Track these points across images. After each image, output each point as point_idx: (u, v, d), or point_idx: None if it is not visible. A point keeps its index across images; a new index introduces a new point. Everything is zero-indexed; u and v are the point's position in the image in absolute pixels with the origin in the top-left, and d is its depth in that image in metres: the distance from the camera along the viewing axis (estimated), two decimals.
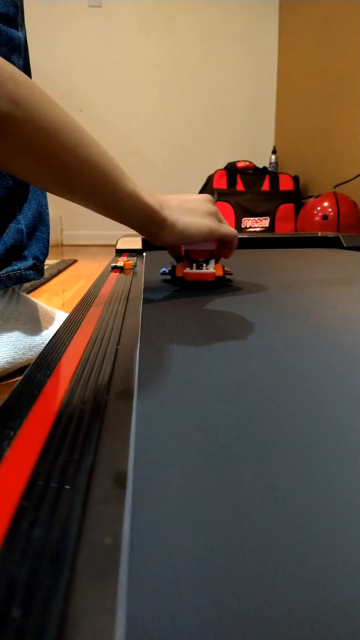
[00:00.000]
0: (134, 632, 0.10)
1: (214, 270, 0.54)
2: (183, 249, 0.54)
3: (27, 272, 0.55)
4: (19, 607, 0.10)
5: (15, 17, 0.47)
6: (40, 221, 0.57)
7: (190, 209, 0.49)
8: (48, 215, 0.58)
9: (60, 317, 0.62)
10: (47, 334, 0.57)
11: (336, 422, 0.21)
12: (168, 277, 0.61)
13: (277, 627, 0.11)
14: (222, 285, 0.55)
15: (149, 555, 0.13)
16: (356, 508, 0.15)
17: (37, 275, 0.57)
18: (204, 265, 0.54)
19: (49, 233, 0.58)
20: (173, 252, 0.57)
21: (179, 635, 0.10)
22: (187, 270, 0.54)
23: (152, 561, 0.12)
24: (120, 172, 0.41)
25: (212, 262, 0.54)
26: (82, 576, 0.11)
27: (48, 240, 0.58)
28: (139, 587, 0.12)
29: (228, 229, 0.52)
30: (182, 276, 0.54)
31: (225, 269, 0.56)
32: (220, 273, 0.54)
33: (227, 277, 0.58)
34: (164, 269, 0.61)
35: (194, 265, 0.54)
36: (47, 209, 0.57)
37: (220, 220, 0.52)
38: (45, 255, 0.58)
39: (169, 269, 0.58)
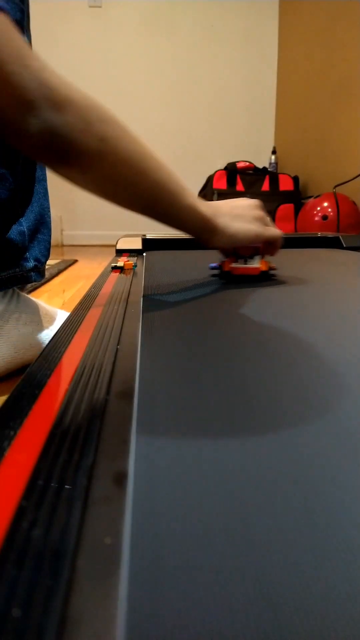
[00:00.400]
0: (134, 632, 0.10)
1: (259, 265, 0.60)
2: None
3: (29, 273, 0.55)
4: (19, 607, 0.10)
5: (21, 22, 0.47)
6: (42, 224, 0.57)
7: (239, 215, 0.55)
8: (50, 218, 0.59)
9: (60, 317, 0.62)
10: (48, 334, 0.57)
11: (335, 419, 0.21)
12: (216, 271, 0.67)
13: (280, 629, 0.11)
14: (266, 279, 0.61)
15: (149, 555, 0.13)
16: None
17: (38, 277, 0.57)
18: (249, 260, 0.60)
19: (50, 235, 0.59)
20: (222, 250, 0.62)
21: (179, 635, 0.10)
22: (234, 264, 0.60)
23: (152, 561, 0.12)
24: (180, 187, 0.49)
25: (258, 257, 0.60)
26: (82, 576, 0.11)
27: (50, 243, 0.59)
28: (139, 587, 0.12)
29: (273, 231, 0.58)
30: (230, 270, 0.60)
31: (270, 265, 0.62)
32: (265, 268, 0.60)
33: (272, 272, 0.63)
34: (212, 264, 0.66)
35: (242, 260, 0.60)
36: (49, 212, 0.58)
37: (266, 224, 0.58)
38: (47, 257, 0.58)
39: (218, 264, 0.63)
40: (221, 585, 0.12)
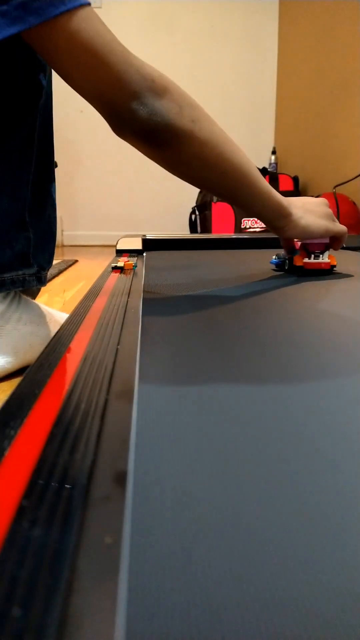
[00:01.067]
0: (134, 631, 0.10)
1: (329, 261, 0.63)
2: (299, 243, 0.63)
3: (30, 278, 0.56)
4: (19, 606, 0.10)
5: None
6: (49, 234, 0.59)
7: (311, 210, 0.59)
8: (56, 228, 0.60)
9: (60, 318, 0.62)
10: (48, 334, 0.57)
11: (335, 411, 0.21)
12: (277, 266, 0.70)
13: (277, 629, 0.11)
14: (331, 272, 0.64)
15: (149, 555, 0.13)
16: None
17: (39, 283, 0.58)
18: (320, 256, 0.62)
19: (55, 244, 0.60)
20: (287, 246, 0.65)
21: (179, 635, 0.10)
22: (306, 260, 0.63)
23: (152, 560, 0.12)
24: (258, 173, 0.52)
25: (327, 253, 0.63)
26: (83, 575, 0.11)
27: (53, 251, 0.60)
28: (139, 586, 0.12)
29: (340, 227, 0.62)
30: (302, 265, 0.63)
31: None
32: (334, 262, 0.63)
33: (335, 268, 0.66)
34: (274, 260, 0.69)
35: (312, 255, 0.62)
36: (56, 222, 0.60)
37: (333, 220, 0.61)
38: (49, 265, 0.60)
39: (281, 260, 0.67)
40: (221, 585, 0.12)
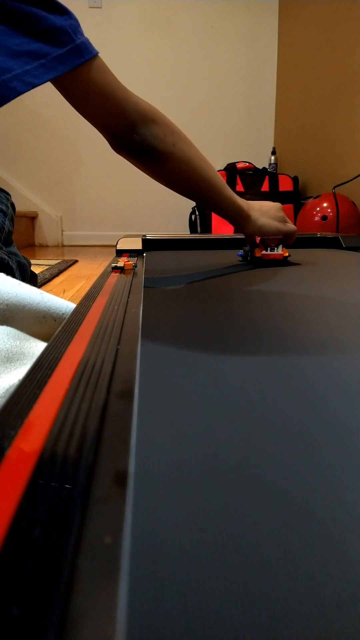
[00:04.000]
0: (134, 631, 0.10)
1: (282, 252, 0.78)
2: (258, 238, 0.78)
3: None
4: (19, 606, 0.10)
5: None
6: None
7: (266, 213, 0.74)
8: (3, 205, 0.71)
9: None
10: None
11: (335, 412, 0.21)
12: (242, 258, 0.84)
13: (279, 629, 0.11)
14: (286, 263, 0.78)
15: (149, 555, 0.13)
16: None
17: None
18: (275, 248, 0.78)
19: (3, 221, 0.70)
20: (249, 241, 0.80)
21: (179, 635, 0.10)
22: (264, 252, 0.78)
23: (152, 560, 0.12)
24: (223, 183, 0.67)
25: (281, 246, 0.78)
26: (83, 575, 0.11)
27: (2, 226, 0.68)
28: (139, 586, 0.12)
29: (289, 227, 0.77)
30: (260, 256, 0.78)
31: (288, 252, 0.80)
32: (286, 254, 0.78)
33: (289, 258, 0.80)
34: (240, 253, 0.84)
35: (268, 248, 0.78)
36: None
37: (285, 222, 0.78)
38: None
39: (245, 252, 0.82)
40: (221, 585, 0.12)
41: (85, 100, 0.56)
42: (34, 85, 0.50)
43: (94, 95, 0.56)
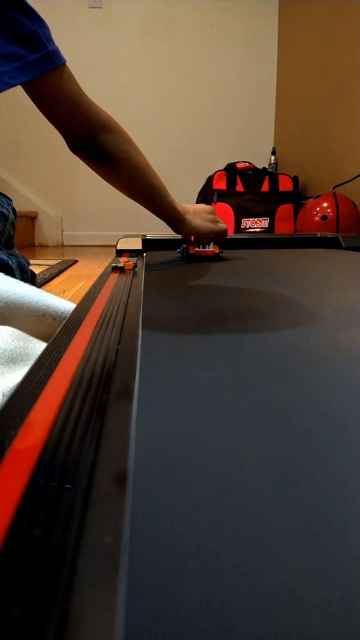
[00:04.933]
0: (134, 631, 0.10)
1: (213, 249, 0.86)
2: (193, 237, 0.86)
3: None
4: (19, 606, 0.10)
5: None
6: None
7: (199, 215, 0.83)
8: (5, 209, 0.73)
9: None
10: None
11: (333, 412, 0.21)
12: (180, 254, 0.91)
13: (279, 630, 0.11)
14: (217, 259, 0.85)
15: (149, 555, 0.13)
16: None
17: None
18: (207, 245, 0.87)
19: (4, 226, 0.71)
20: (186, 239, 0.87)
21: (179, 635, 0.10)
22: (197, 249, 0.87)
23: (152, 560, 0.12)
24: (166, 190, 0.75)
25: (212, 244, 0.87)
26: (83, 575, 0.11)
27: (2, 232, 0.70)
28: (139, 586, 0.12)
29: (221, 226, 0.87)
30: (193, 253, 0.87)
31: (220, 250, 0.88)
32: (217, 251, 0.87)
33: (221, 254, 0.89)
34: (178, 250, 0.92)
35: (200, 245, 0.87)
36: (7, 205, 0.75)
37: (217, 222, 0.87)
38: None
39: (183, 250, 0.89)
40: (221, 585, 0.12)
41: (53, 104, 0.61)
42: (10, 86, 0.53)
43: (61, 101, 0.61)
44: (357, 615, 0.11)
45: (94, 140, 0.66)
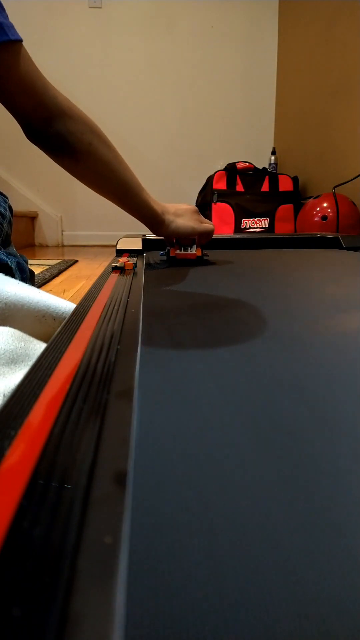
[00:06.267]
0: (134, 631, 0.10)
1: (195, 252, 0.81)
2: (175, 238, 0.80)
3: None
4: (19, 606, 0.10)
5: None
6: None
7: (181, 214, 0.77)
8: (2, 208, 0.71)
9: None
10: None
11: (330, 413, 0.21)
12: (164, 257, 0.86)
13: (279, 629, 0.11)
14: (201, 262, 0.80)
15: (149, 555, 0.13)
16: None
17: None
18: (189, 248, 0.81)
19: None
20: (168, 241, 0.83)
21: (179, 635, 0.10)
22: (178, 251, 0.81)
23: (152, 560, 0.12)
24: (140, 186, 0.69)
25: (194, 246, 0.81)
26: (82, 575, 0.11)
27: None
28: (139, 586, 0.12)
29: (205, 227, 0.80)
30: (175, 255, 0.81)
31: (204, 252, 0.84)
32: (199, 254, 0.81)
33: (205, 257, 0.84)
34: (161, 252, 0.88)
35: (182, 248, 0.81)
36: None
37: (201, 222, 0.80)
38: None
39: (165, 252, 0.85)
40: (221, 585, 0.12)
41: (2, 83, 0.56)
42: None
43: (11, 80, 0.55)
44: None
45: (49, 128, 0.59)
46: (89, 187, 0.66)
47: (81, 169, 0.63)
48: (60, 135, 0.59)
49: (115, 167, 0.64)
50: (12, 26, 0.54)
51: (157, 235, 0.77)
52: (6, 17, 0.55)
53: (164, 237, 0.80)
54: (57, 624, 0.10)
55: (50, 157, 0.63)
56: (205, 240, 0.82)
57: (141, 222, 0.72)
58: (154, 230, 0.75)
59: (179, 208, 0.78)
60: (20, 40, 0.55)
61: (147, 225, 0.74)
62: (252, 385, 0.25)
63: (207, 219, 2.49)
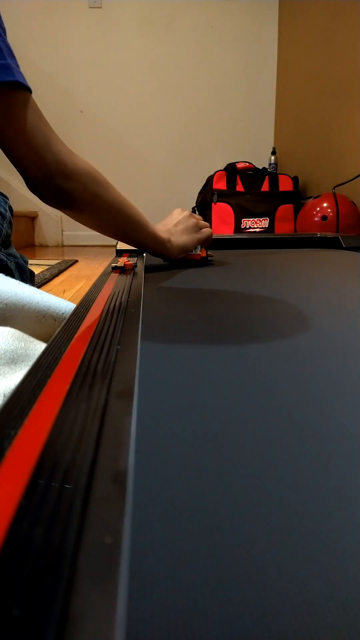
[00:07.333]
0: (134, 632, 0.10)
1: (200, 253, 0.84)
2: None
3: None
4: (19, 606, 0.10)
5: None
6: None
7: (182, 230, 0.78)
8: (4, 209, 0.70)
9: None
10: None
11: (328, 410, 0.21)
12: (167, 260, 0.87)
13: (279, 629, 0.11)
14: (206, 263, 0.83)
15: (149, 555, 0.13)
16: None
17: None
18: (194, 250, 0.83)
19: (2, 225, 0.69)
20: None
21: (179, 635, 0.10)
22: None
23: (152, 560, 0.12)
24: (145, 221, 0.68)
25: (199, 247, 0.84)
26: (83, 575, 0.11)
27: (2, 230, 0.67)
28: (139, 586, 0.12)
29: (206, 232, 0.82)
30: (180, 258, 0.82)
31: (208, 252, 0.86)
32: (204, 254, 0.84)
33: (210, 258, 0.86)
34: None
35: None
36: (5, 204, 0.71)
37: (201, 228, 0.82)
38: None
39: None
40: (221, 585, 0.12)
41: (1, 130, 0.52)
42: None
43: (12, 128, 0.52)
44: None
45: (51, 183, 0.55)
46: (94, 230, 0.66)
47: (85, 218, 0.62)
48: (62, 191, 0.56)
49: (119, 209, 0.63)
50: (22, 75, 0.52)
51: (167, 261, 0.78)
52: (17, 64, 0.52)
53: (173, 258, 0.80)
54: (57, 624, 0.10)
55: (58, 209, 0.61)
56: (206, 243, 0.84)
57: (149, 252, 0.74)
58: (164, 255, 0.76)
59: (178, 222, 0.78)
60: (28, 89, 0.52)
61: (155, 254, 0.75)
62: (253, 386, 0.25)
63: (207, 219, 2.49)
